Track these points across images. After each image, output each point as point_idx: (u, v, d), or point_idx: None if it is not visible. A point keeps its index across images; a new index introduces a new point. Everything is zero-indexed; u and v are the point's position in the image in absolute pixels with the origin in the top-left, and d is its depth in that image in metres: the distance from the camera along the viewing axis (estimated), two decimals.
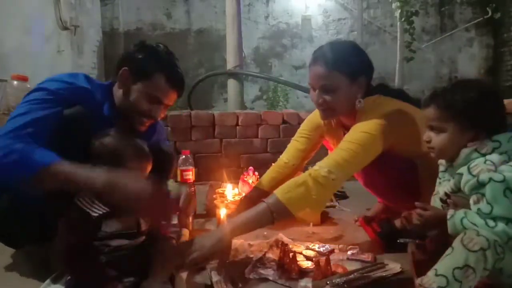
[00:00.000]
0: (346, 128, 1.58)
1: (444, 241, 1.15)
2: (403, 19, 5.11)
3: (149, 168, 1.25)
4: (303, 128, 1.77)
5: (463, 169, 1.10)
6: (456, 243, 1.01)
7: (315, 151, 1.79)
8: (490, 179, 1.03)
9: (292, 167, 1.70)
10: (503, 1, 6.03)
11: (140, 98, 1.35)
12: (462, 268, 0.96)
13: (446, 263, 1.00)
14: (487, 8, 6.19)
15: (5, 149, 1.07)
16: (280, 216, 1.31)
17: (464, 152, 1.12)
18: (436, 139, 1.18)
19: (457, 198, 1.13)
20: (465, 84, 1.19)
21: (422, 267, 1.11)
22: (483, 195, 1.04)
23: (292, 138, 1.80)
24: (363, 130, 1.38)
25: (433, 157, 1.23)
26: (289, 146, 1.77)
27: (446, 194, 1.16)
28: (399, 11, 5.08)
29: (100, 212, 1.11)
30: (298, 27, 6.64)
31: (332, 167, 1.33)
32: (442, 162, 1.27)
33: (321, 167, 1.34)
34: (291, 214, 1.31)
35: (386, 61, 6.24)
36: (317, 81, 1.44)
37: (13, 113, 1.18)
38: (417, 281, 1.02)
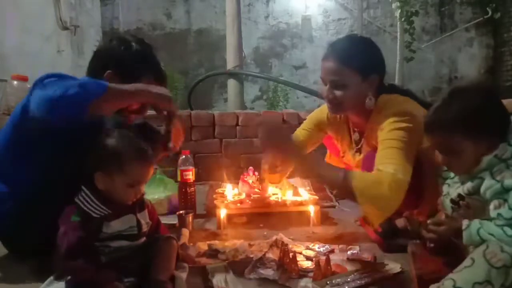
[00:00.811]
0: (354, 126, 1.57)
1: (446, 242, 1.16)
2: (403, 19, 5.11)
3: (152, 171, 1.24)
4: (306, 122, 1.78)
5: (484, 174, 1.08)
6: (477, 255, 0.98)
7: (313, 147, 1.80)
8: None
9: None
10: (503, 1, 6.02)
11: None
12: (482, 283, 0.94)
13: (466, 276, 0.96)
14: (487, 8, 6.19)
15: (62, 88, 1.12)
16: (344, 192, 1.32)
17: (486, 159, 1.09)
18: (453, 160, 1.14)
19: (471, 201, 1.11)
20: (461, 95, 1.13)
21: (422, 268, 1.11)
22: (505, 200, 1.02)
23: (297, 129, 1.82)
24: (398, 127, 1.35)
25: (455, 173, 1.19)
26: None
27: (459, 195, 1.13)
28: (399, 11, 5.08)
29: (101, 213, 1.11)
30: (298, 27, 6.63)
31: (400, 170, 1.28)
32: None
33: (396, 170, 1.28)
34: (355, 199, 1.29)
35: (386, 61, 6.11)
36: (328, 76, 1.44)
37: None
38: (432, 287, 1.01)
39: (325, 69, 1.45)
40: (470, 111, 1.09)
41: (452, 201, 1.16)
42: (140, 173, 1.18)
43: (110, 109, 1.23)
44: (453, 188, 1.18)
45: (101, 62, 1.39)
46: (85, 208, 1.12)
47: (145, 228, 1.21)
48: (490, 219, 1.04)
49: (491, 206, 1.05)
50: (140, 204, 1.23)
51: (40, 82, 1.20)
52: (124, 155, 1.14)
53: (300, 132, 1.79)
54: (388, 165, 1.31)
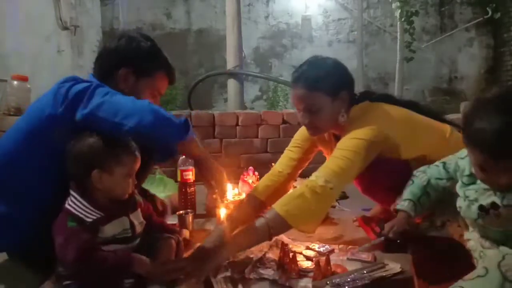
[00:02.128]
0: (338, 138, 1.58)
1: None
2: (403, 19, 5.11)
3: (138, 164, 1.21)
4: (296, 138, 1.77)
5: None
6: (492, 266, 0.96)
7: (308, 160, 1.79)
8: None
9: (286, 176, 1.69)
10: (503, 1, 6.02)
11: (145, 94, 1.40)
12: None
13: (478, 286, 0.95)
14: (487, 8, 6.18)
15: (154, 110, 1.18)
16: (278, 230, 1.31)
17: None
18: (496, 179, 1.04)
19: (505, 212, 1.06)
20: (487, 109, 1.00)
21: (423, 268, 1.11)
22: None
23: (286, 148, 1.80)
24: (355, 137, 1.38)
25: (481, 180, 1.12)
26: (283, 155, 1.77)
27: (494, 203, 1.08)
28: (399, 11, 5.08)
29: (94, 217, 1.10)
30: (298, 27, 6.64)
31: (328, 176, 1.32)
32: (465, 166, 1.20)
33: (317, 177, 1.32)
34: (290, 227, 1.30)
35: (386, 61, 6.25)
36: (300, 102, 1.47)
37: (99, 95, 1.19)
38: None
39: (296, 97, 1.48)
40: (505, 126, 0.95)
41: (481, 207, 1.11)
42: (135, 160, 1.18)
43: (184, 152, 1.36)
44: (483, 195, 1.12)
45: (112, 62, 1.39)
46: (77, 213, 1.09)
47: (139, 229, 1.20)
48: None
49: None
50: (133, 204, 1.22)
51: (90, 90, 1.19)
52: (117, 147, 1.14)
53: (291, 151, 1.75)
54: (317, 173, 1.34)
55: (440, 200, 1.37)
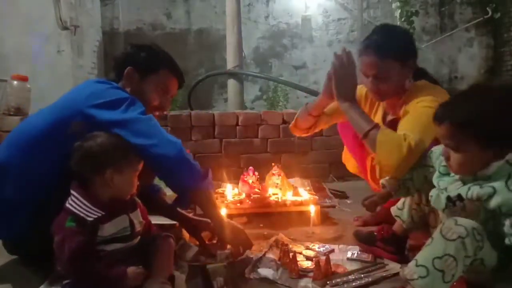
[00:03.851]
0: (389, 108, 1.66)
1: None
2: (403, 19, 5.12)
3: (141, 165, 1.23)
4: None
5: (498, 186, 1.01)
6: (436, 233, 1.01)
7: (320, 127, 1.88)
8: None
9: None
10: (503, 1, 6.02)
11: (152, 92, 1.45)
12: (441, 258, 0.96)
13: (425, 254, 1.00)
14: (487, 8, 6.18)
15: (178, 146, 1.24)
16: (369, 143, 1.39)
17: (496, 165, 1.04)
18: (455, 157, 1.09)
19: (469, 204, 1.08)
20: (481, 94, 1.09)
21: None
22: None
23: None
24: (427, 105, 1.41)
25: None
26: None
27: (459, 196, 1.10)
28: (399, 11, 5.08)
29: (95, 216, 1.10)
30: (298, 27, 6.63)
31: (417, 135, 1.34)
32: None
33: (418, 137, 1.33)
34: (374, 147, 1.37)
35: None
36: (370, 69, 1.50)
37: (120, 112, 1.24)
38: (400, 272, 1.02)
39: (366, 63, 1.51)
40: (486, 113, 1.03)
41: (449, 198, 1.14)
42: (141, 160, 1.22)
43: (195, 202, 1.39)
44: (453, 185, 1.16)
45: (120, 66, 1.46)
46: (78, 213, 1.10)
47: (138, 228, 1.20)
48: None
49: (507, 223, 1.00)
50: (132, 204, 1.23)
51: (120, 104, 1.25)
52: (127, 147, 1.17)
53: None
54: (413, 132, 1.35)
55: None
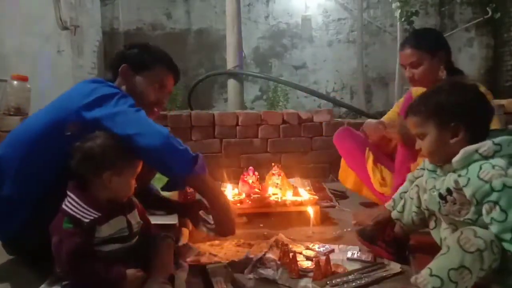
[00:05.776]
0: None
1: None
2: (403, 19, 5.11)
3: (140, 167, 1.23)
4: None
5: (470, 174, 1.05)
6: (452, 242, 0.99)
7: None
8: (504, 185, 0.99)
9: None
10: (503, 1, 6.02)
11: (146, 87, 1.45)
12: (457, 269, 0.95)
13: (441, 263, 0.98)
14: (487, 8, 6.18)
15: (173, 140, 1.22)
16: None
17: (465, 150, 1.08)
18: (423, 144, 1.20)
19: (459, 196, 1.10)
20: (436, 88, 1.22)
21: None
22: (495, 203, 1.00)
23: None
24: None
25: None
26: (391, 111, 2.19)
27: (448, 190, 1.12)
28: (399, 11, 5.07)
29: (92, 217, 1.10)
30: (298, 27, 6.63)
31: None
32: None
33: None
34: None
35: (386, 61, 6.24)
36: (406, 60, 1.84)
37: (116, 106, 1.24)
38: (412, 279, 1.01)
39: (403, 55, 1.86)
40: (438, 96, 1.17)
41: (440, 195, 1.15)
42: (140, 162, 1.22)
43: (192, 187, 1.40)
44: (439, 181, 1.18)
45: (115, 65, 1.47)
46: (74, 214, 1.09)
47: (136, 229, 1.20)
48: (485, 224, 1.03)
49: (483, 211, 1.03)
50: (130, 205, 1.22)
51: (113, 99, 1.24)
52: (127, 149, 1.16)
53: (392, 114, 2.14)
54: None
55: None
